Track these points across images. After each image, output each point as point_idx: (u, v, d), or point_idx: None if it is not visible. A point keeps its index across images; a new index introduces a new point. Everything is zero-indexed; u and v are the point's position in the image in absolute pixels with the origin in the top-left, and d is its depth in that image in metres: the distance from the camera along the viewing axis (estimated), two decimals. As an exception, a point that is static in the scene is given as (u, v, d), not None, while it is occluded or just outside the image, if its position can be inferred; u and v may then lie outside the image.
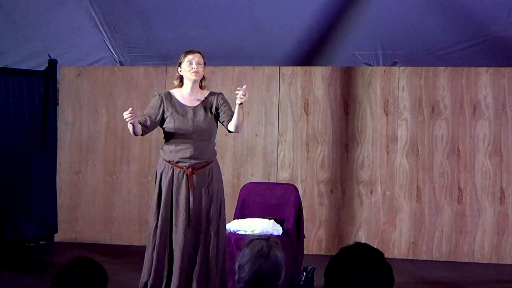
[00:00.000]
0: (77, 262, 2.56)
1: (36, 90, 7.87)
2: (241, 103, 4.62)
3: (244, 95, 4.59)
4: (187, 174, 4.77)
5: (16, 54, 7.79)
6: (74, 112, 8.05)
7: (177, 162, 4.80)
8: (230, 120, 4.81)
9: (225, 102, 4.92)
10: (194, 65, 4.84)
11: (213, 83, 7.38)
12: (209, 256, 4.78)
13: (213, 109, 4.88)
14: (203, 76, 4.95)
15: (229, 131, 4.89)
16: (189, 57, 4.87)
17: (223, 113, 4.86)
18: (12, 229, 7.60)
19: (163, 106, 4.87)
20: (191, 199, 4.74)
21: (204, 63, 4.93)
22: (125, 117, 4.55)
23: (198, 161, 4.79)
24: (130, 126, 4.66)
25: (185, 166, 4.77)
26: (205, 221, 4.78)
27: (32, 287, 5.96)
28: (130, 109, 4.56)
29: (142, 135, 4.85)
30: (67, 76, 8.09)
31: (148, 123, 4.82)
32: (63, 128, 8.06)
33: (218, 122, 4.94)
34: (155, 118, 4.85)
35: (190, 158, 4.77)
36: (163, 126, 4.90)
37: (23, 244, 7.69)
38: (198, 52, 4.91)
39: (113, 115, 7.94)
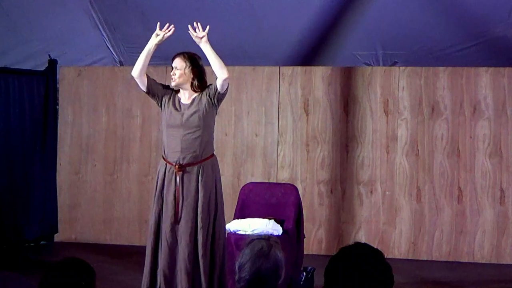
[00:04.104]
0: (64, 262, 2.59)
1: (36, 90, 7.87)
2: (204, 41, 4.79)
3: (196, 33, 4.77)
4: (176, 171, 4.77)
5: (16, 54, 7.79)
6: (74, 112, 8.05)
7: (168, 157, 4.81)
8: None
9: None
10: (172, 72, 4.88)
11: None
12: (198, 255, 4.72)
13: (206, 99, 4.81)
14: (196, 77, 4.85)
15: (221, 86, 4.79)
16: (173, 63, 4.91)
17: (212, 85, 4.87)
18: (12, 229, 7.60)
19: (167, 90, 4.94)
20: (177, 195, 4.73)
21: (192, 63, 4.85)
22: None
23: (185, 157, 4.74)
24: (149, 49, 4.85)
25: (174, 162, 4.76)
26: (194, 219, 4.73)
27: (32, 287, 5.96)
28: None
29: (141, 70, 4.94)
30: (67, 76, 8.08)
31: (151, 79, 4.96)
32: (63, 128, 8.06)
33: (214, 118, 4.90)
34: (156, 83, 4.98)
35: (177, 152, 4.75)
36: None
37: (23, 244, 7.68)
38: (179, 55, 4.88)
39: (113, 115, 7.94)
